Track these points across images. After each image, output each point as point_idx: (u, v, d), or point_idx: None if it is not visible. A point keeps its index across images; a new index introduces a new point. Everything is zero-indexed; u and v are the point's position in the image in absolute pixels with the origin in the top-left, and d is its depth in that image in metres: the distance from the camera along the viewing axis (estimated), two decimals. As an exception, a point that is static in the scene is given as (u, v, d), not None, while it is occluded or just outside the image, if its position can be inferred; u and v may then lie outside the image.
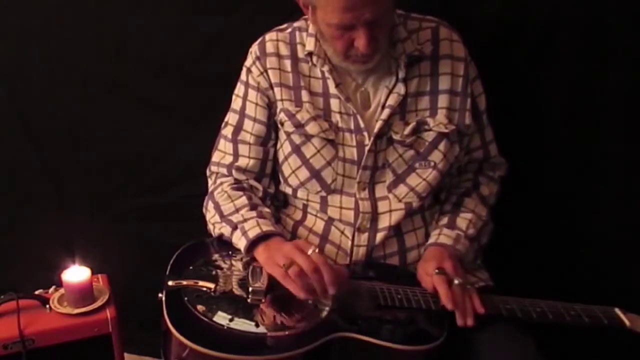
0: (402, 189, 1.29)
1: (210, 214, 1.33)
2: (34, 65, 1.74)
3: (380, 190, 1.30)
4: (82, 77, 1.73)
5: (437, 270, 1.16)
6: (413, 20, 1.31)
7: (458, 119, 1.30)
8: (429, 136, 1.28)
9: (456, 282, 1.14)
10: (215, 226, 1.31)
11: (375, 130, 1.26)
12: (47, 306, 1.31)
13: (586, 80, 1.47)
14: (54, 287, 1.37)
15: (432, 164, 1.28)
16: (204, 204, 1.37)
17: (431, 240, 1.30)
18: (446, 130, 1.27)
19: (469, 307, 1.12)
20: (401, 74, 1.25)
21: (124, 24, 1.67)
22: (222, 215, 1.29)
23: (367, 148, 1.27)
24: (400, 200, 1.29)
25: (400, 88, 1.26)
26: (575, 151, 1.53)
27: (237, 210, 1.28)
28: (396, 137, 1.27)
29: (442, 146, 1.28)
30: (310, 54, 1.28)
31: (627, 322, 1.13)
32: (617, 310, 1.15)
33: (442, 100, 1.28)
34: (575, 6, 1.42)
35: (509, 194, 1.43)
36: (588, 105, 1.49)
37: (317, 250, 1.13)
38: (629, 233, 1.55)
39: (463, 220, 1.31)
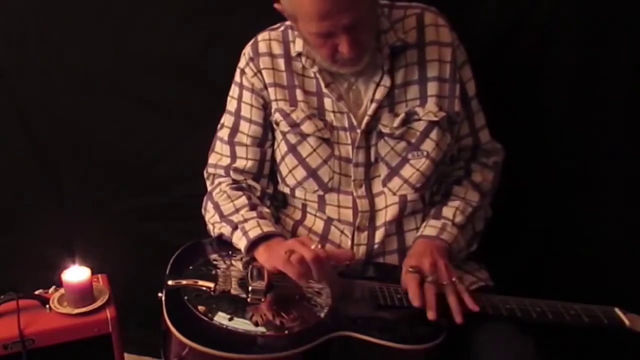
0: (396, 182, 1.29)
1: (210, 214, 1.33)
2: (34, 65, 1.74)
3: (377, 186, 1.30)
4: (82, 77, 1.73)
5: (410, 269, 1.15)
6: (398, 9, 1.30)
7: (448, 106, 1.29)
8: (420, 126, 1.27)
9: (429, 278, 1.14)
10: (215, 226, 1.31)
11: (363, 126, 1.26)
12: (47, 306, 1.31)
13: (586, 74, 1.47)
14: (54, 287, 1.37)
15: (425, 153, 1.27)
16: (203, 204, 1.37)
17: (418, 232, 1.29)
18: (436, 119, 1.26)
19: (454, 305, 1.11)
20: (386, 66, 1.25)
21: (124, 24, 1.67)
22: (221, 215, 1.29)
23: (355, 145, 1.26)
24: (394, 194, 1.29)
25: (386, 80, 1.26)
26: (575, 151, 1.53)
27: (237, 210, 1.28)
28: (385, 130, 1.26)
29: (433, 135, 1.27)
30: (299, 54, 1.29)
31: (627, 322, 1.13)
32: (617, 310, 1.15)
33: (431, 88, 1.27)
34: (576, 2, 1.42)
35: (509, 194, 1.43)
36: (588, 104, 1.49)
37: (319, 246, 1.14)
38: (629, 233, 1.55)
39: (450, 208, 1.29)
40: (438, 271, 1.15)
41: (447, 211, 1.29)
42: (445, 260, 1.19)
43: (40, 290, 1.36)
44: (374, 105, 1.26)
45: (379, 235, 1.30)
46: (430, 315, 1.10)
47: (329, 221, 1.33)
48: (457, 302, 1.12)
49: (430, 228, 1.27)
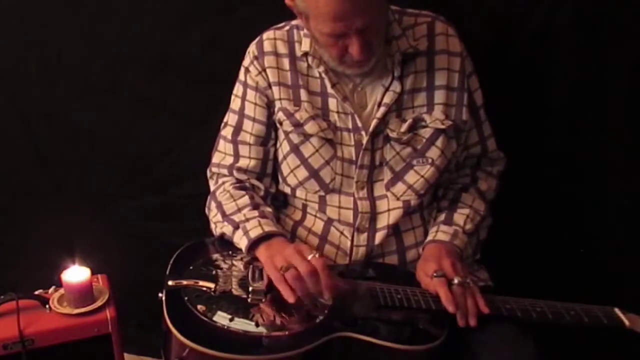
0: (399, 187, 1.29)
1: (213, 213, 1.33)
2: (34, 65, 1.74)
3: (379, 189, 1.30)
4: (82, 77, 1.73)
5: (435, 273, 1.15)
6: (408, 16, 1.30)
7: (455, 114, 1.29)
8: (426, 133, 1.28)
9: (455, 281, 1.14)
10: (217, 225, 1.32)
11: (371, 128, 1.26)
12: (47, 306, 1.31)
13: (585, 77, 1.47)
14: (53, 287, 1.36)
15: (430, 160, 1.28)
16: (207, 203, 1.37)
17: (429, 237, 1.29)
18: (443, 127, 1.27)
19: (470, 307, 1.12)
20: (397, 72, 1.25)
21: (124, 23, 1.67)
22: (224, 215, 1.29)
23: (362, 147, 1.27)
24: (398, 199, 1.29)
25: (396, 86, 1.26)
26: (575, 150, 1.53)
27: (239, 210, 1.28)
28: (392, 134, 1.27)
29: (439, 142, 1.28)
30: (306, 54, 1.29)
31: (627, 322, 1.13)
32: (617, 310, 1.15)
33: (439, 96, 1.28)
34: (575, 2, 1.42)
35: (509, 194, 1.43)
36: (588, 103, 1.49)
37: (317, 255, 1.13)
38: (629, 233, 1.55)
39: (460, 215, 1.30)
40: (459, 272, 1.16)
41: (458, 218, 1.30)
42: (460, 262, 1.21)
43: (40, 290, 1.36)
44: (382, 109, 1.26)
45: (379, 237, 1.30)
46: (473, 322, 1.11)
47: (329, 222, 1.33)
48: (475, 304, 1.13)
49: (442, 234, 1.27)
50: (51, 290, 1.36)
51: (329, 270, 1.12)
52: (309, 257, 1.12)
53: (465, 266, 1.23)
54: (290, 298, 1.10)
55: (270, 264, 1.16)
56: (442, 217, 1.32)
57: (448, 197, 1.36)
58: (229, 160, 1.36)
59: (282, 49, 1.31)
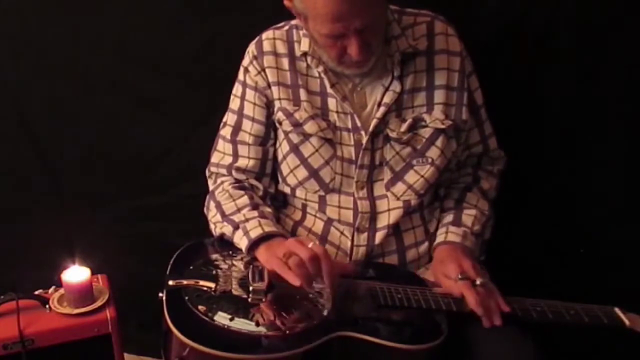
0: (399, 187, 1.29)
1: (212, 213, 1.33)
2: (34, 65, 1.74)
3: (379, 189, 1.30)
4: (82, 77, 1.73)
5: (460, 276, 1.15)
6: (408, 16, 1.30)
7: (455, 114, 1.29)
8: (426, 132, 1.28)
9: (478, 282, 1.14)
10: (217, 225, 1.32)
11: (371, 128, 1.26)
12: (47, 306, 1.31)
13: (585, 77, 1.47)
14: (53, 287, 1.36)
15: (430, 160, 1.28)
16: (206, 203, 1.37)
17: (439, 239, 1.30)
18: (443, 126, 1.27)
19: (493, 307, 1.13)
20: (396, 72, 1.25)
21: (124, 23, 1.67)
22: (223, 215, 1.29)
23: (362, 147, 1.27)
24: (398, 199, 1.29)
25: (396, 86, 1.26)
26: (575, 150, 1.53)
27: (238, 210, 1.28)
28: (392, 134, 1.27)
29: (439, 142, 1.28)
30: (305, 54, 1.29)
31: (627, 322, 1.13)
32: (617, 310, 1.15)
33: (439, 96, 1.28)
34: (575, 2, 1.42)
35: (509, 194, 1.43)
36: (588, 103, 1.49)
37: (317, 243, 1.13)
38: (629, 233, 1.55)
39: (468, 217, 1.31)
40: (479, 272, 1.16)
41: (466, 219, 1.30)
42: (476, 262, 1.21)
43: (40, 290, 1.36)
44: (382, 109, 1.26)
45: (379, 236, 1.30)
46: (498, 321, 1.11)
47: (328, 222, 1.34)
48: (497, 304, 1.13)
49: (453, 235, 1.28)
50: (51, 290, 1.36)
51: (330, 258, 1.12)
52: (310, 245, 1.12)
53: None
54: (296, 281, 1.09)
55: (272, 256, 1.16)
56: (449, 218, 1.32)
57: (452, 196, 1.36)
58: (228, 160, 1.36)
59: (282, 48, 1.31)
